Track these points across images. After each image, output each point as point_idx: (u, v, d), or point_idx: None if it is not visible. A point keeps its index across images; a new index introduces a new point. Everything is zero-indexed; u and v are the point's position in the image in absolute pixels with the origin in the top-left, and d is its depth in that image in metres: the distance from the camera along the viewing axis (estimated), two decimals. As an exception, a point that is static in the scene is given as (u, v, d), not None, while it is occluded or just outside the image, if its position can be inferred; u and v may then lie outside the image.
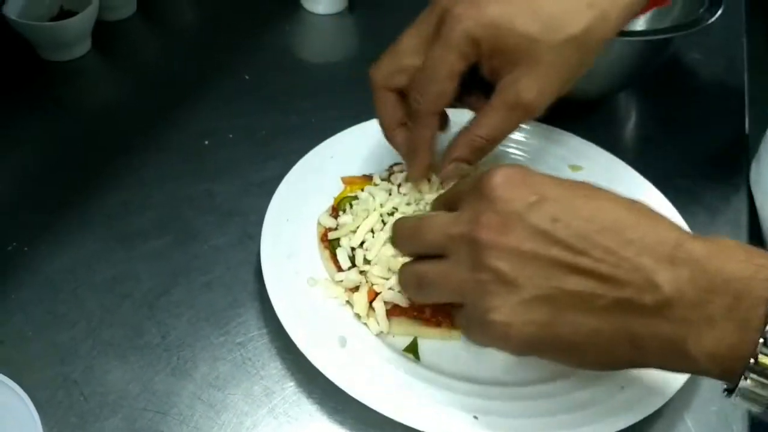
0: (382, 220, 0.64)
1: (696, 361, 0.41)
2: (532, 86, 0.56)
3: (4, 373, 0.51)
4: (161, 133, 0.79)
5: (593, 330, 0.43)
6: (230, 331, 0.61)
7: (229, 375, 0.58)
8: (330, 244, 0.64)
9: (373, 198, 0.66)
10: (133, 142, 0.78)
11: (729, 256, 0.41)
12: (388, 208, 0.65)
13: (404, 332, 0.60)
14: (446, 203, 0.52)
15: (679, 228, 0.44)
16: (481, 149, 0.60)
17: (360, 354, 0.57)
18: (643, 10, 0.62)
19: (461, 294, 0.47)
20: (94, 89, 0.88)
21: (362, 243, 0.63)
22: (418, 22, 0.60)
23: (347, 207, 0.66)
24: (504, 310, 0.44)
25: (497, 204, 0.45)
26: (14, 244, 0.67)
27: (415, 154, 0.62)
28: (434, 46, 0.57)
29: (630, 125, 0.87)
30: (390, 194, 0.66)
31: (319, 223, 0.66)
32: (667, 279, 0.41)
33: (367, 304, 0.59)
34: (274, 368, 0.59)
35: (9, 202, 0.71)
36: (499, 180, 0.45)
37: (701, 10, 0.76)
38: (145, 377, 0.57)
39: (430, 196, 0.65)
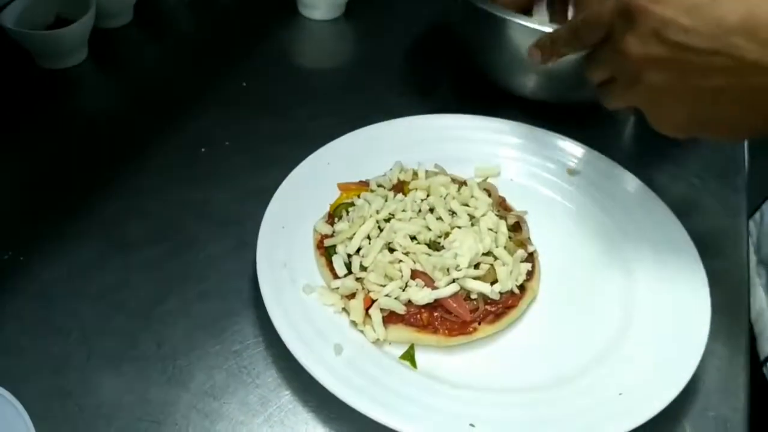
0: (379, 227, 0.64)
1: None
2: None
3: (-1, 384, 0.51)
4: (158, 140, 0.79)
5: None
6: (226, 339, 0.61)
7: (224, 384, 0.58)
8: (326, 251, 0.64)
9: (369, 204, 0.65)
10: (128, 150, 0.78)
11: None
12: (384, 214, 0.65)
13: (401, 339, 0.59)
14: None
15: None
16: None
17: (356, 362, 0.56)
18: None
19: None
20: (91, 97, 0.87)
21: (358, 250, 0.63)
22: None
23: (343, 214, 0.66)
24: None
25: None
26: (9, 253, 0.66)
27: None
28: None
29: (628, 129, 0.86)
30: (386, 200, 0.66)
31: (315, 230, 0.66)
32: None
33: (364, 312, 0.59)
34: (270, 377, 0.58)
35: (4, 211, 0.71)
36: None
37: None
38: (140, 387, 0.57)
39: (434, 199, 0.66)
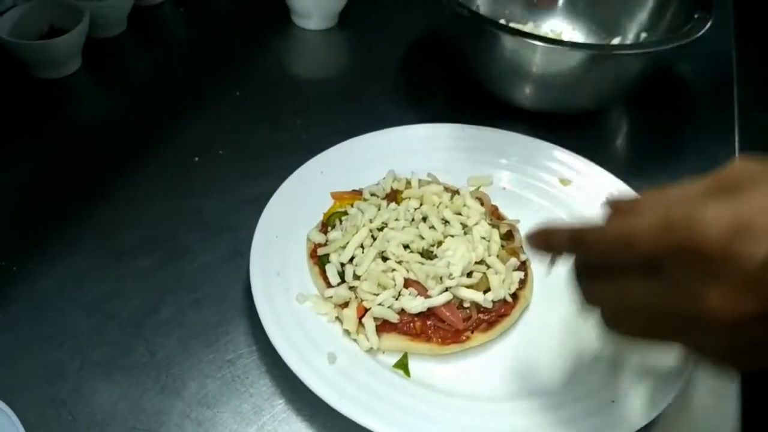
0: (372, 236, 0.64)
1: None
2: None
3: (-8, 393, 0.51)
4: (151, 150, 0.79)
5: None
6: (219, 348, 0.61)
7: (218, 393, 0.58)
8: (319, 260, 0.64)
9: (363, 213, 0.66)
10: (122, 160, 0.78)
11: None
12: (377, 223, 0.65)
13: (394, 348, 0.59)
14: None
15: None
16: None
17: (350, 371, 0.57)
18: None
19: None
20: (85, 107, 0.87)
21: (352, 258, 0.63)
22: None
23: (337, 222, 0.66)
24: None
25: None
26: (2, 263, 0.66)
27: None
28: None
29: (619, 139, 0.87)
30: (379, 209, 0.66)
31: (308, 239, 0.66)
32: None
33: (357, 320, 0.59)
34: (263, 385, 0.58)
35: (-2, 220, 0.71)
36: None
37: (689, 26, 0.76)
38: (133, 396, 0.57)
39: (427, 208, 0.67)
